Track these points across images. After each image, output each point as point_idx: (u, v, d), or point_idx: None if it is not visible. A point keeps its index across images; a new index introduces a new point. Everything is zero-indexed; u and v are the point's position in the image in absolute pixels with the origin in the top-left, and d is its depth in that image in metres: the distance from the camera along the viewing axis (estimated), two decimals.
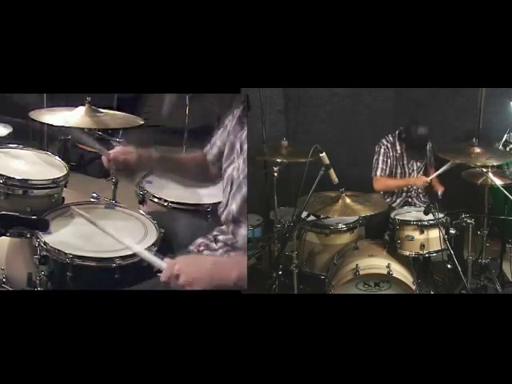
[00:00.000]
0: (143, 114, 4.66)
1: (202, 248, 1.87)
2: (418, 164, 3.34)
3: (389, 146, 3.28)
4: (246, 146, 1.76)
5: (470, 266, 2.81)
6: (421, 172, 3.37)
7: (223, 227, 1.92)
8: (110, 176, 2.38)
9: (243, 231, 1.79)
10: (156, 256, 1.70)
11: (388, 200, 3.30)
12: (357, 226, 3.18)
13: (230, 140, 1.85)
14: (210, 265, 1.59)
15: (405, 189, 3.34)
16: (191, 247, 1.91)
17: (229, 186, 1.82)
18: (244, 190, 1.73)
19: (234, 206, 1.77)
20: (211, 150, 1.98)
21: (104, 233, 1.86)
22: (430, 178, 3.19)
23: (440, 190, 3.23)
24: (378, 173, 3.27)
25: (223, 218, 1.85)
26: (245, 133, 1.77)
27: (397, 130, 3.31)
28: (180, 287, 1.50)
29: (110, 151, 1.89)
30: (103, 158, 1.87)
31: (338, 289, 2.70)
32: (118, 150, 1.88)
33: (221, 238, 1.86)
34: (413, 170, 3.33)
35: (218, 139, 1.95)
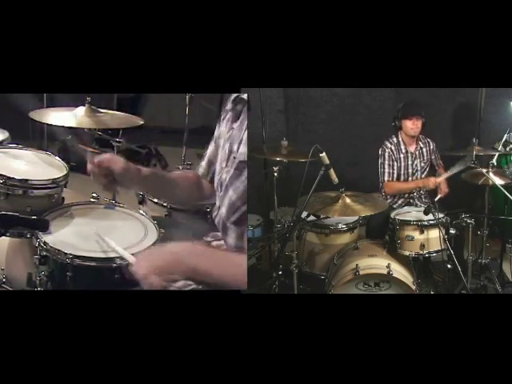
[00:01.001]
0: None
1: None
2: (422, 164, 3.33)
3: (393, 148, 3.26)
4: (241, 149, 1.67)
5: (470, 266, 2.81)
6: (425, 172, 3.35)
7: (218, 233, 1.88)
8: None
9: (230, 240, 1.72)
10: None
11: (389, 201, 3.29)
12: (357, 226, 3.18)
13: (223, 147, 1.78)
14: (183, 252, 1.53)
15: None
16: None
17: (219, 189, 1.78)
18: (230, 192, 1.66)
19: (223, 210, 1.71)
20: (202, 163, 1.95)
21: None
22: (442, 178, 3.13)
23: (443, 193, 3.15)
24: (386, 177, 3.26)
25: (216, 221, 1.81)
26: (241, 135, 1.68)
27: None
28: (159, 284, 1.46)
29: (96, 157, 1.76)
30: (88, 162, 1.75)
31: (338, 289, 2.70)
32: (106, 156, 1.77)
33: (214, 244, 1.83)
34: (417, 170, 3.32)
35: (208, 150, 1.93)
